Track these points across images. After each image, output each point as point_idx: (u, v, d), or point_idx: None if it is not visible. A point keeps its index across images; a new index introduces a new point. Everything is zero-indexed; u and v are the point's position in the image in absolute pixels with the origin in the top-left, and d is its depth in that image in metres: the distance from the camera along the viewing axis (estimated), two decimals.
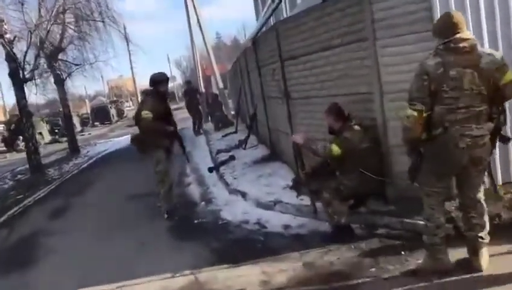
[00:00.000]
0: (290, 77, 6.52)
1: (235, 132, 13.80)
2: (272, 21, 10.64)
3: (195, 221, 6.09)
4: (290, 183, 6.28)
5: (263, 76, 8.43)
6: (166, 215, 6.33)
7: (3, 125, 26.80)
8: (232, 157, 9.28)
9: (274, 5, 8.81)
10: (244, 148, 10.20)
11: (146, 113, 6.00)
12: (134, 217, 6.69)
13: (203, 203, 6.97)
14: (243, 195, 6.60)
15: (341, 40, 5.08)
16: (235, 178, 7.63)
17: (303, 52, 5.94)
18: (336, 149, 4.40)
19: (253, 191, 6.51)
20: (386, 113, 4.71)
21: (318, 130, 5.74)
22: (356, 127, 4.48)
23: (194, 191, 7.91)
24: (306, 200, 5.35)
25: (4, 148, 26.44)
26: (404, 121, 3.23)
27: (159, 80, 6.26)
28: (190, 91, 17.24)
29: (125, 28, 25.39)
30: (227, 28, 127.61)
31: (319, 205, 4.83)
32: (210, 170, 8.88)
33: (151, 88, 6.28)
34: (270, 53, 7.32)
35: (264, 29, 8.53)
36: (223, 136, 13.76)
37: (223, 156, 9.98)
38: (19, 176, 13.00)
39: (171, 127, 6.37)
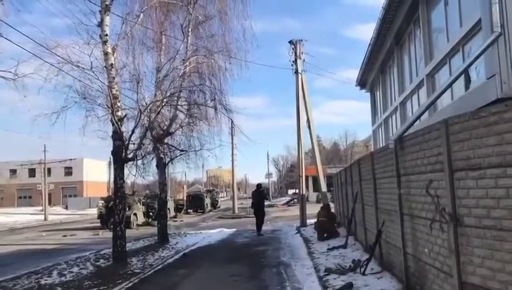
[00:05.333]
0: (463, 195, 4.58)
1: (344, 247, 11.67)
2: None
3: None
4: None
5: (404, 187, 6.56)
6: None
7: (102, 201, 27.16)
8: (350, 286, 7.18)
9: (429, 102, 7.14)
10: (363, 274, 8.04)
11: None
12: None
13: None
14: None
15: None
16: None
17: (497, 162, 4.04)
18: None
19: None
20: None
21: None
22: None
23: None
24: None
25: (99, 225, 26.62)
26: None
27: None
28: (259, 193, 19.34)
29: (232, 122, 25.56)
30: (326, 132, 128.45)
31: None
32: None
33: None
34: (426, 159, 5.50)
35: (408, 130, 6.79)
36: (328, 249, 11.68)
37: (334, 280, 7.92)
38: (101, 261, 11.88)
39: None
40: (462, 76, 7.77)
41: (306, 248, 12.89)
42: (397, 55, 14.65)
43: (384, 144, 15.81)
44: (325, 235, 13.74)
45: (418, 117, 6.94)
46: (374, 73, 19.04)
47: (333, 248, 11.68)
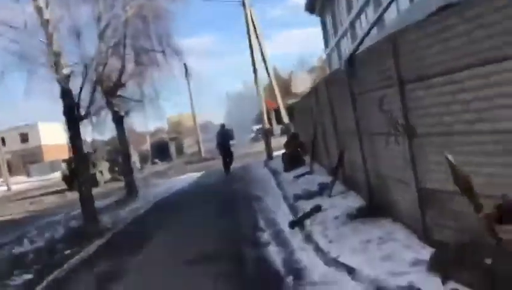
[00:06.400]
0: (414, 106, 4.68)
1: (310, 173, 11.99)
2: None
3: None
4: (425, 257, 4.31)
5: (360, 107, 6.66)
6: None
7: (65, 163, 26.59)
8: (318, 208, 7.43)
9: (376, 17, 7.10)
10: (330, 196, 8.33)
11: None
12: None
13: (290, 278, 5.13)
14: (350, 271, 4.72)
15: None
16: (330, 241, 5.76)
17: (441, 70, 4.11)
18: None
19: (366, 267, 4.61)
20: None
21: None
22: None
23: (274, 255, 6.08)
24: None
25: (65, 187, 26.21)
26: None
27: None
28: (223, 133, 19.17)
29: (185, 66, 24.90)
30: (282, 62, 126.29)
31: None
32: (292, 225, 7.08)
33: None
34: (376, 76, 5.55)
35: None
36: (295, 177, 11.98)
37: (303, 205, 8.18)
38: (72, 222, 11.82)
39: None
40: None
41: (274, 179, 13.19)
42: None
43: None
44: (292, 165, 14.01)
45: (367, 34, 6.89)
46: None
47: (300, 176, 11.98)
